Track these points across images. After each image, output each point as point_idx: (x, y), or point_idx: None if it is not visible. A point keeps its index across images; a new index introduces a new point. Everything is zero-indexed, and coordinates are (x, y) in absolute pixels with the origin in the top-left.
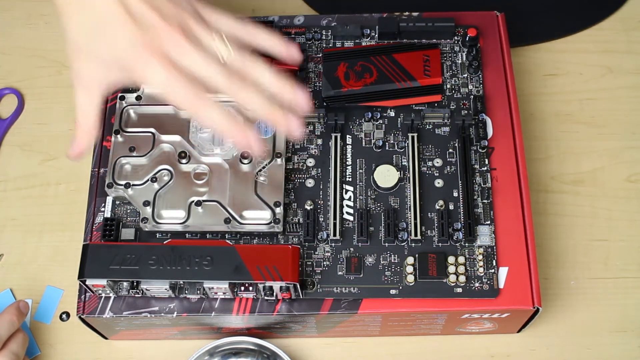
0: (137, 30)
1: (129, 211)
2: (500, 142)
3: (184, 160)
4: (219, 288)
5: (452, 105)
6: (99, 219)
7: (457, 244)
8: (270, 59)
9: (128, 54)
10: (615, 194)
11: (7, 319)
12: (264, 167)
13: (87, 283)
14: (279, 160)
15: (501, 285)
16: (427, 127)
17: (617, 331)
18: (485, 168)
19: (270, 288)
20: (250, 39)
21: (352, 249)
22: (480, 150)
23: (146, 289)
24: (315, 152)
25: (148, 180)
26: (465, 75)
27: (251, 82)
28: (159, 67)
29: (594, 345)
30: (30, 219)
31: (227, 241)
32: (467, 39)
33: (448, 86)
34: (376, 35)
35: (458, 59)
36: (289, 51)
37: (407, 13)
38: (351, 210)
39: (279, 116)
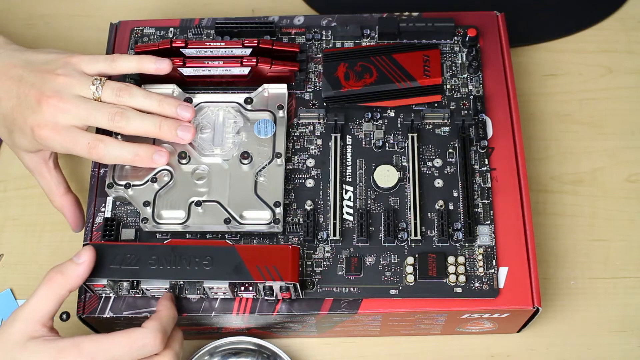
0: (18, 104)
1: (129, 211)
2: (500, 142)
3: (184, 161)
4: (219, 288)
5: (452, 106)
6: (99, 219)
7: (457, 244)
8: (270, 60)
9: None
10: (615, 194)
11: (170, 314)
12: (264, 167)
13: (87, 283)
14: (278, 160)
15: (501, 285)
16: (427, 127)
17: (617, 331)
18: (485, 168)
19: (270, 288)
20: (114, 70)
21: (352, 249)
22: (480, 150)
23: (146, 289)
24: (315, 152)
25: (148, 180)
26: (465, 75)
27: (129, 108)
28: (52, 134)
29: (594, 345)
30: (30, 219)
31: (227, 241)
32: (467, 39)
33: (448, 86)
34: (376, 36)
35: (458, 59)
36: (158, 65)
37: (407, 13)
38: (351, 211)
39: (165, 130)
